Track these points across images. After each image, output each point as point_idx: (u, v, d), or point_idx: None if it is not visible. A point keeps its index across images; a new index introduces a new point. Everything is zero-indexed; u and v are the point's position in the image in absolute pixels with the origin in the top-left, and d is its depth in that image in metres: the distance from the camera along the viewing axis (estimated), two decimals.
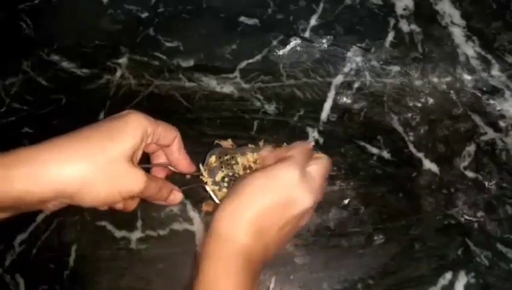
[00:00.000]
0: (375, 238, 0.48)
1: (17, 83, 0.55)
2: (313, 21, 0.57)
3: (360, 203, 0.49)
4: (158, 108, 0.50)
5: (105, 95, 0.54)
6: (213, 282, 0.35)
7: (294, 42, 0.56)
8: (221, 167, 0.46)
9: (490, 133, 0.52)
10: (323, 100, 0.53)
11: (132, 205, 0.42)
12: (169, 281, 0.47)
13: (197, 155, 0.47)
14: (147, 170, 0.43)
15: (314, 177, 0.39)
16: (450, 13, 0.57)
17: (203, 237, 0.38)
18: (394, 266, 0.47)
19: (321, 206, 0.49)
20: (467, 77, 0.54)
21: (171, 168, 0.45)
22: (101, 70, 0.55)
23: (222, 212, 0.37)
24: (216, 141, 0.48)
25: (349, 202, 0.49)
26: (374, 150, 0.51)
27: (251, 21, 0.57)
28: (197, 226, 0.49)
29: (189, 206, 0.49)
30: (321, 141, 0.52)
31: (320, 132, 0.52)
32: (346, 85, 0.54)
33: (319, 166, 0.40)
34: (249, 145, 0.48)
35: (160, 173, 0.45)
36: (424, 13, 0.57)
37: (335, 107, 0.53)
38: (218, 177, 0.46)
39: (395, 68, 0.55)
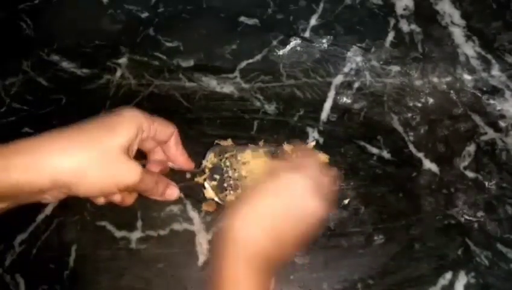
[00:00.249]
0: (375, 238, 0.48)
1: (17, 83, 0.55)
2: (313, 21, 0.57)
3: (360, 203, 0.49)
4: (158, 108, 0.50)
5: (106, 95, 0.54)
6: (233, 283, 0.36)
7: (294, 42, 0.56)
8: (221, 164, 0.46)
9: (490, 133, 0.52)
10: (323, 100, 0.53)
11: (130, 199, 0.43)
12: (169, 281, 0.47)
13: (197, 155, 0.47)
14: (143, 166, 0.43)
15: (322, 185, 0.41)
16: (450, 13, 0.57)
17: (217, 245, 0.39)
18: (394, 266, 0.47)
19: None
20: (467, 77, 0.54)
21: (170, 164, 0.45)
22: (101, 70, 0.55)
23: (237, 217, 0.38)
24: (216, 141, 0.48)
25: (349, 202, 0.49)
26: (374, 150, 0.51)
27: (251, 21, 0.57)
28: (197, 226, 0.49)
29: (189, 206, 0.49)
30: (321, 141, 0.52)
31: (320, 132, 0.52)
32: (346, 85, 0.54)
33: (331, 179, 0.42)
34: (249, 145, 0.48)
35: (155, 169, 0.45)
36: (424, 13, 0.57)
37: (335, 107, 0.53)
38: (217, 174, 0.46)
39: (395, 68, 0.55)
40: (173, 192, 0.44)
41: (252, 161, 0.46)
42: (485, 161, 0.50)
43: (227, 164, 0.47)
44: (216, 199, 0.46)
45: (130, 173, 0.37)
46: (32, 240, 0.49)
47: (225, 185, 0.46)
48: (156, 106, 0.53)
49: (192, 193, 0.49)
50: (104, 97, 0.54)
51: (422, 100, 0.53)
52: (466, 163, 0.51)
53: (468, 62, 0.54)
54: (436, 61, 0.55)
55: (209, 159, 0.46)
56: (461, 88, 0.53)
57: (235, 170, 0.46)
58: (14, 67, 0.56)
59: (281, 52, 0.56)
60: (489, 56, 0.54)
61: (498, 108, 0.52)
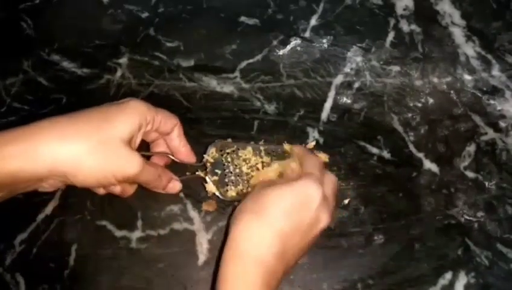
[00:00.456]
0: (375, 238, 0.48)
1: (17, 83, 0.55)
2: (313, 21, 0.57)
3: (360, 203, 0.49)
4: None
5: (106, 95, 0.54)
6: None
7: (294, 42, 0.56)
8: (222, 159, 0.47)
9: (490, 133, 0.52)
10: (324, 100, 0.53)
11: (129, 190, 0.42)
12: (169, 281, 0.47)
13: (197, 155, 0.47)
14: (147, 158, 0.43)
15: (329, 199, 0.39)
16: (450, 13, 0.57)
17: (222, 251, 0.37)
18: (394, 266, 0.47)
19: None
20: (467, 77, 0.54)
21: (171, 156, 0.45)
22: (102, 70, 0.55)
23: (243, 227, 0.36)
24: (217, 141, 0.48)
25: (349, 202, 0.49)
26: (374, 150, 0.51)
27: (251, 21, 0.57)
28: (197, 226, 0.49)
29: (189, 206, 0.49)
30: (321, 141, 0.52)
31: (320, 132, 0.52)
32: (347, 85, 0.54)
33: (333, 186, 0.41)
34: (250, 143, 0.48)
35: (159, 162, 0.45)
36: (424, 13, 0.57)
37: (335, 107, 0.53)
38: (218, 169, 0.46)
39: (395, 68, 0.55)
40: (175, 185, 0.44)
41: (253, 158, 0.46)
42: (485, 161, 0.50)
43: (229, 159, 0.47)
44: (217, 193, 0.46)
45: (129, 164, 0.37)
46: (32, 240, 0.49)
47: (226, 180, 0.46)
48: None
49: (193, 193, 0.49)
50: (104, 97, 0.54)
51: (423, 100, 0.53)
52: (466, 163, 0.51)
53: (468, 62, 0.54)
54: (436, 61, 0.55)
55: (211, 154, 0.46)
56: (461, 88, 0.53)
57: (236, 165, 0.47)
58: (15, 67, 0.56)
59: (281, 52, 0.56)
60: (489, 56, 0.55)
61: (498, 108, 0.53)
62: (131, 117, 0.37)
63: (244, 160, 0.46)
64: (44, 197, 0.49)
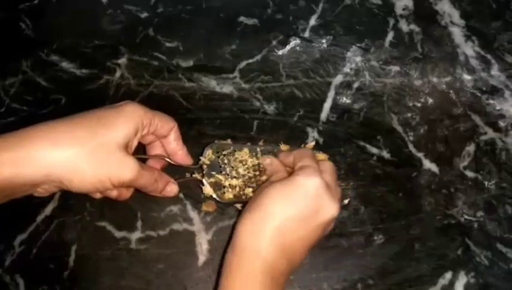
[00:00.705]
0: (375, 238, 0.48)
1: (16, 83, 0.55)
2: (313, 21, 0.57)
3: (360, 203, 0.49)
4: (158, 108, 0.49)
5: (105, 95, 0.54)
6: None
7: (293, 42, 0.56)
8: (219, 161, 0.46)
9: (490, 133, 0.52)
10: (323, 100, 0.53)
11: (126, 194, 0.42)
12: (169, 281, 0.47)
13: (196, 155, 0.47)
14: (143, 161, 0.43)
15: (332, 185, 0.39)
16: (449, 13, 0.57)
17: (226, 250, 0.37)
18: (394, 266, 0.47)
19: None
20: (467, 77, 0.54)
21: (168, 159, 0.45)
22: (101, 70, 0.55)
23: (245, 224, 0.37)
24: (216, 141, 0.48)
25: (349, 202, 0.49)
26: (374, 150, 0.51)
27: (251, 21, 0.57)
28: (197, 226, 0.49)
29: (189, 206, 0.49)
30: (321, 141, 0.52)
31: (320, 132, 0.52)
32: (346, 85, 0.54)
33: (331, 172, 0.41)
34: (247, 144, 0.48)
35: (156, 165, 0.45)
36: (424, 13, 0.57)
37: (335, 107, 0.53)
38: (215, 171, 0.46)
39: (395, 68, 0.55)
40: (172, 189, 0.44)
41: (249, 159, 0.46)
42: (485, 161, 0.50)
43: (225, 161, 0.47)
44: (214, 195, 0.46)
45: (124, 169, 0.36)
46: (32, 240, 0.49)
47: (223, 182, 0.46)
48: (156, 106, 0.52)
49: (192, 193, 0.49)
50: (103, 97, 0.54)
51: (422, 100, 0.53)
52: (466, 163, 0.51)
53: (467, 62, 0.54)
54: (436, 61, 0.55)
55: (207, 156, 0.46)
56: (461, 88, 0.53)
57: (232, 167, 0.46)
58: (14, 67, 0.56)
59: (280, 52, 0.56)
60: (488, 56, 0.55)
61: (497, 108, 0.53)
62: (127, 121, 0.37)
63: (241, 161, 0.46)
64: (44, 198, 0.49)
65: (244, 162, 0.46)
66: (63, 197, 0.50)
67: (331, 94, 0.54)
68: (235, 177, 0.46)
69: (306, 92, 0.54)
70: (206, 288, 0.47)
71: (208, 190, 0.46)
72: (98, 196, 0.41)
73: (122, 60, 0.56)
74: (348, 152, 0.51)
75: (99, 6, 0.58)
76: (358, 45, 0.56)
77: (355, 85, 0.54)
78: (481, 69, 0.54)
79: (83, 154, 0.34)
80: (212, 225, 0.49)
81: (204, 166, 0.46)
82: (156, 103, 0.53)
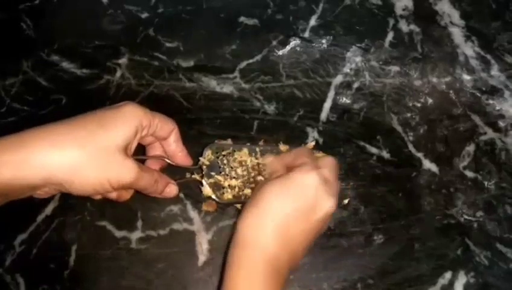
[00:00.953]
0: (375, 238, 0.48)
1: (17, 83, 0.55)
2: (313, 21, 0.57)
3: (359, 203, 0.49)
4: (158, 108, 0.49)
5: (105, 95, 0.54)
6: None
7: (294, 42, 0.56)
8: (218, 162, 0.46)
9: (489, 133, 0.52)
10: (323, 100, 0.53)
11: (126, 195, 0.42)
12: (169, 281, 0.47)
13: (196, 155, 0.47)
14: (142, 162, 0.43)
15: (330, 180, 0.39)
16: (449, 13, 0.57)
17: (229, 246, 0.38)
18: (394, 266, 0.47)
19: None
20: (466, 77, 0.54)
21: (167, 160, 0.45)
22: (101, 70, 0.55)
23: (246, 219, 0.37)
24: (216, 141, 0.48)
25: (349, 202, 0.49)
26: (374, 150, 0.51)
27: (251, 21, 0.57)
28: (197, 226, 0.49)
29: (189, 206, 0.49)
30: (321, 141, 0.52)
31: (319, 132, 0.52)
32: (346, 85, 0.54)
33: (331, 168, 0.41)
34: (246, 144, 0.48)
35: (155, 166, 0.45)
36: (424, 13, 0.57)
37: (334, 107, 0.53)
38: (215, 172, 0.46)
39: (395, 68, 0.55)
40: (172, 190, 0.44)
41: (248, 159, 0.46)
42: (485, 161, 0.51)
43: (225, 161, 0.47)
44: (213, 196, 0.46)
45: (124, 172, 0.36)
46: (32, 240, 0.49)
47: (222, 183, 0.46)
48: (156, 106, 0.52)
49: (193, 193, 0.49)
50: (104, 97, 0.54)
51: (422, 100, 0.53)
52: (465, 163, 0.51)
53: (467, 62, 0.55)
54: (436, 61, 0.55)
55: (206, 157, 0.46)
56: (460, 88, 0.53)
57: (231, 168, 0.46)
58: (14, 67, 0.56)
59: (280, 53, 0.56)
60: (488, 56, 0.55)
61: (497, 108, 0.53)
62: (127, 123, 0.37)
63: (240, 162, 0.46)
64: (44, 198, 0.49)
65: (243, 163, 0.46)
66: (64, 197, 0.50)
67: (331, 94, 0.54)
68: (234, 177, 0.46)
69: (306, 92, 0.54)
70: (206, 288, 0.47)
71: (207, 190, 0.46)
72: (97, 197, 0.41)
73: (123, 60, 0.56)
74: (348, 152, 0.51)
75: (100, 7, 0.59)
76: (358, 45, 0.56)
77: (355, 85, 0.54)
78: (481, 69, 0.54)
79: (84, 156, 0.34)
80: (212, 225, 0.49)
81: (204, 166, 0.46)
82: (156, 103, 0.53)
